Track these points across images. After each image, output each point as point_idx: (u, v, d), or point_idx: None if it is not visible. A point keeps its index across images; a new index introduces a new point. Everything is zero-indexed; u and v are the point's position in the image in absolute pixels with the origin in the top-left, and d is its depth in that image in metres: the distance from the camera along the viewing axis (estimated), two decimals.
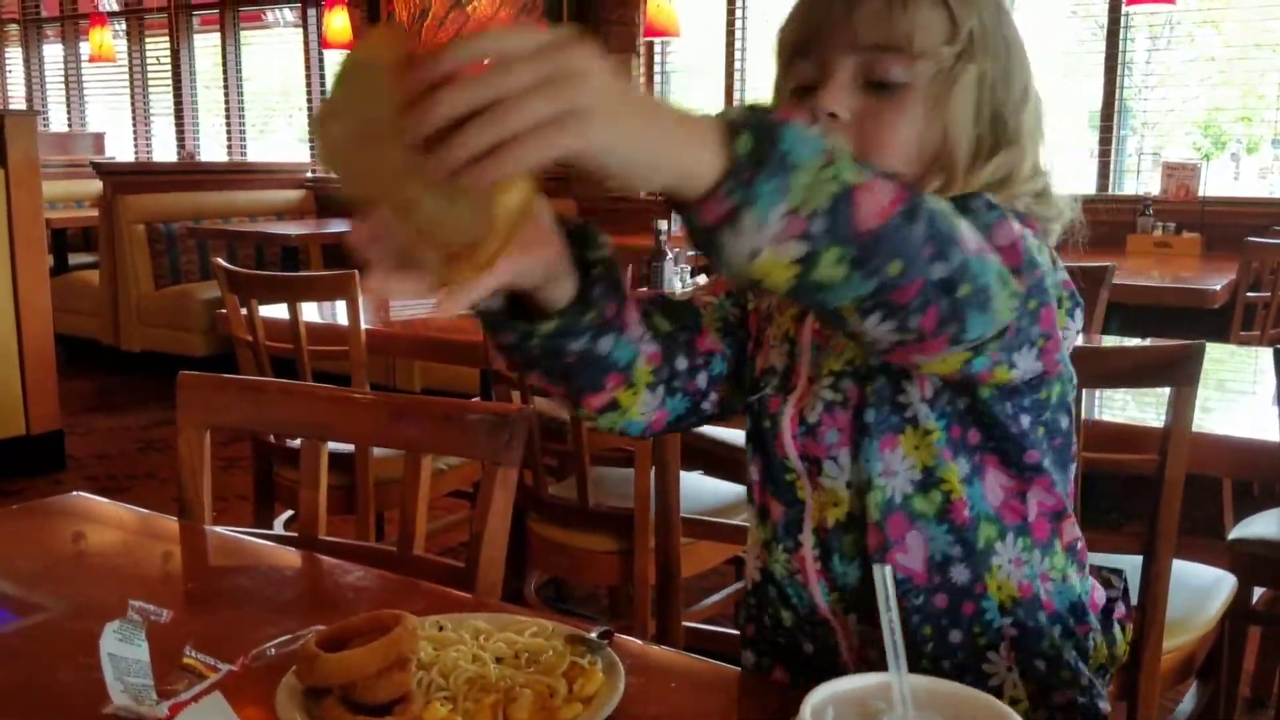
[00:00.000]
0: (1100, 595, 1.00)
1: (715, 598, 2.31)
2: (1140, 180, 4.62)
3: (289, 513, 2.60)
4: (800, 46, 0.90)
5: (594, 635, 0.93)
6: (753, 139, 0.62)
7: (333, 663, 0.81)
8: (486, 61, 0.58)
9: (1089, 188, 4.64)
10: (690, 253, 3.28)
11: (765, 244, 0.62)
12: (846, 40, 0.87)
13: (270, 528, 2.50)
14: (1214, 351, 2.54)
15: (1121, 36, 4.58)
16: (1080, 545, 0.96)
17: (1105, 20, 4.60)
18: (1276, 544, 1.71)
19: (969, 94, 0.88)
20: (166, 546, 1.33)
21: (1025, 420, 0.90)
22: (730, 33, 5.42)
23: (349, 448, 2.29)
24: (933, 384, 0.88)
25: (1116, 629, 0.99)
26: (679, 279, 2.95)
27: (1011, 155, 0.91)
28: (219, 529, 1.34)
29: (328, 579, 1.19)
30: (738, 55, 5.42)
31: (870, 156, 0.85)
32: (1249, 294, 3.38)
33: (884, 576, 0.63)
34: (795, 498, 0.96)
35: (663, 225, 3.11)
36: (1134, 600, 1.39)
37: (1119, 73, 4.60)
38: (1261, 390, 2.09)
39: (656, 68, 5.62)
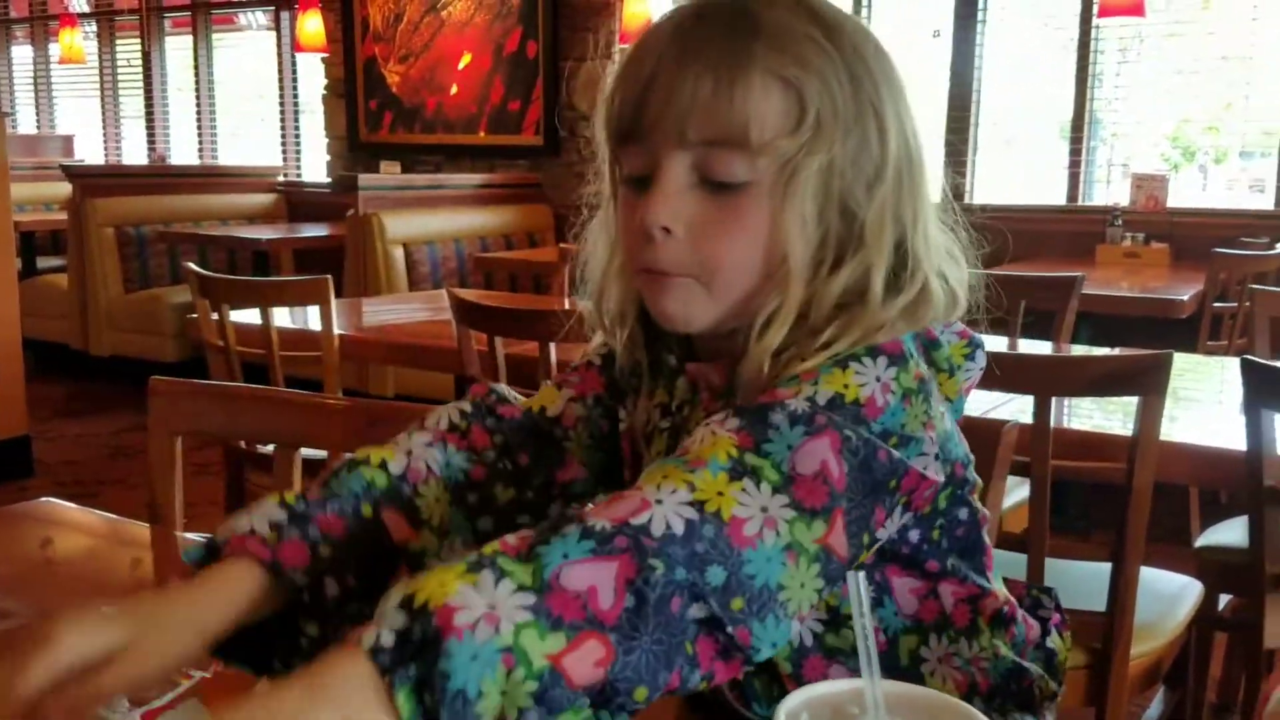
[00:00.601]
0: (1035, 630, 0.91)
1: None
2: (1110, 191, 4.67)
3: None
4: (628, 131, 0.77)
5: None
6: (413, 694, 0.52)
7: None
8: None
9: (1059, 198, 4.69)
10: None
11: None
12: (675, 134, 0.74)
13: None
14: (1181, 361, 2.58)
15: (1092, 49, 4.63)
16: (1006, 609, 0.87)
17: (1076, 33, 4.65)
18: (1242, 551, 1.73)
19: (810, 187, 0.75)
20: (136, 553, 1.32)
21: (915, 536, 0.81)
22: None
23: (323, 453, 2.28)
24: None
25: (1056, 640, 0.93)
26: None
27: (864, 255, 0.77)
28: (190, 535, 1.33)
29: None
30: None
31: (711, 270, 0.77)
32: (1216, 304, 3.43)
33: (857, 583, 0.63)
34: None
35: None
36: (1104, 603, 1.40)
37: (1090, 85, 4.65)
38: (1228, 400, 2.12)
39: None
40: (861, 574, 0.62)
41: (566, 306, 3.23)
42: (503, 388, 0.94)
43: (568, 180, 5.68)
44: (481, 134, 5.83)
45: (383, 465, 0.83)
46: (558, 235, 5.54)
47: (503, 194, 5.58)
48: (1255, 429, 1.52)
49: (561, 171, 5.68)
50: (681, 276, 0.77)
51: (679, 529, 0.61)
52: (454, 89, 5.86)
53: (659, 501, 0.62)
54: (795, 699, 0.60)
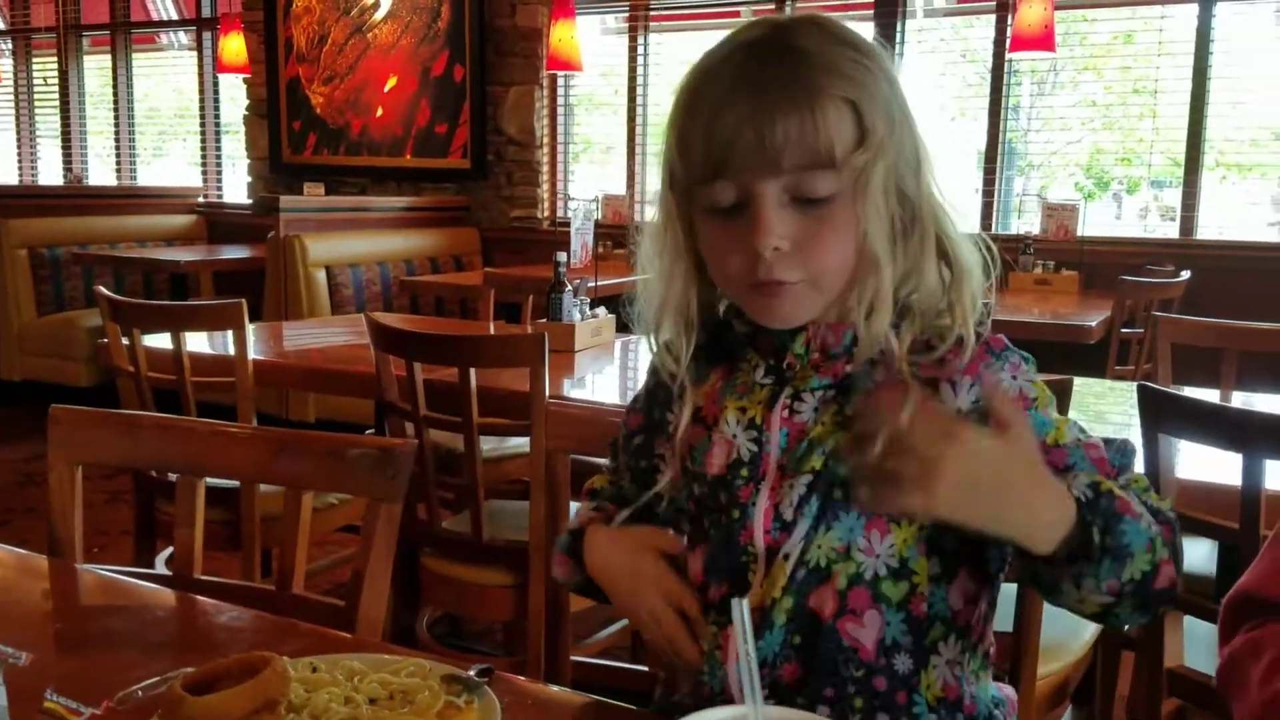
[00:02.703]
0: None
1: (610, 630, 2.31)
2: (1025, 220, 4.79)
3: (171, 549, 2.53)
4: (713, 166, 0.87)
5: (472, 673, 0.93)
6: (1101, 532, 0.79)
7: (199, 706, 0.79)
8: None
9: (974, 226, 4.79)
10: (590, 284, 3.30)
11: (1088, 595, 0.81)
12: (766, 164, 0.85)
13: (152, 564, 2.43)
14: (1095, 386, 2.66)
15: (1006, 81, 4.76)
16: (992, 649, 0.99)
17: (991, 65, 4.78)
18: None
19: (880, 186, 0.88)
20: (36, 585, 1.28)
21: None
22: (632, 68, 5.49)
23: (230, 482, 2.24)
24: None
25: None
26: (578, 310, 2.96)
27: (923, 229, 0.92)
28: (91, 567, 1.30)
29: (202, 619, 1.16)
30: (639, 90, 5.49)
31: (815, 275, 0.89)
32: (1124, 330, 3.53)
33: (741, 609, 0.65)
34: (744, 580, 0.94)
35: (561, 257, 3.12)
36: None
37: (1003, 116, 4.78)
38: (1136, 423, 2.18)
39: (560, 100, 5.66)
40: (745, 601, 0.65)
41: (492, 331, 3.21)
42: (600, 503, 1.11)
43: (495, 204, 5.67)
44: (408, 157, 5.79)
45: None
46: (485, 259, 5.52)
47: (429, 217, 5.55)
48: (1153, 452, 1.57)
49: (489, 195, 5.67)
50: (795, 283, 0.89)
51: (1169, 517, 0.86)
52: (379, 111, 5.83)
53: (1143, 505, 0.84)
54: None
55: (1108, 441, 0.91)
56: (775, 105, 0.84)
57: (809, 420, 0.92)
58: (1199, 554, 2.07)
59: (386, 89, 5.79)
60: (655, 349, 1.02)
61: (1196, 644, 1.68)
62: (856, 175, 0.86)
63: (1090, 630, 1.88)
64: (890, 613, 0.91)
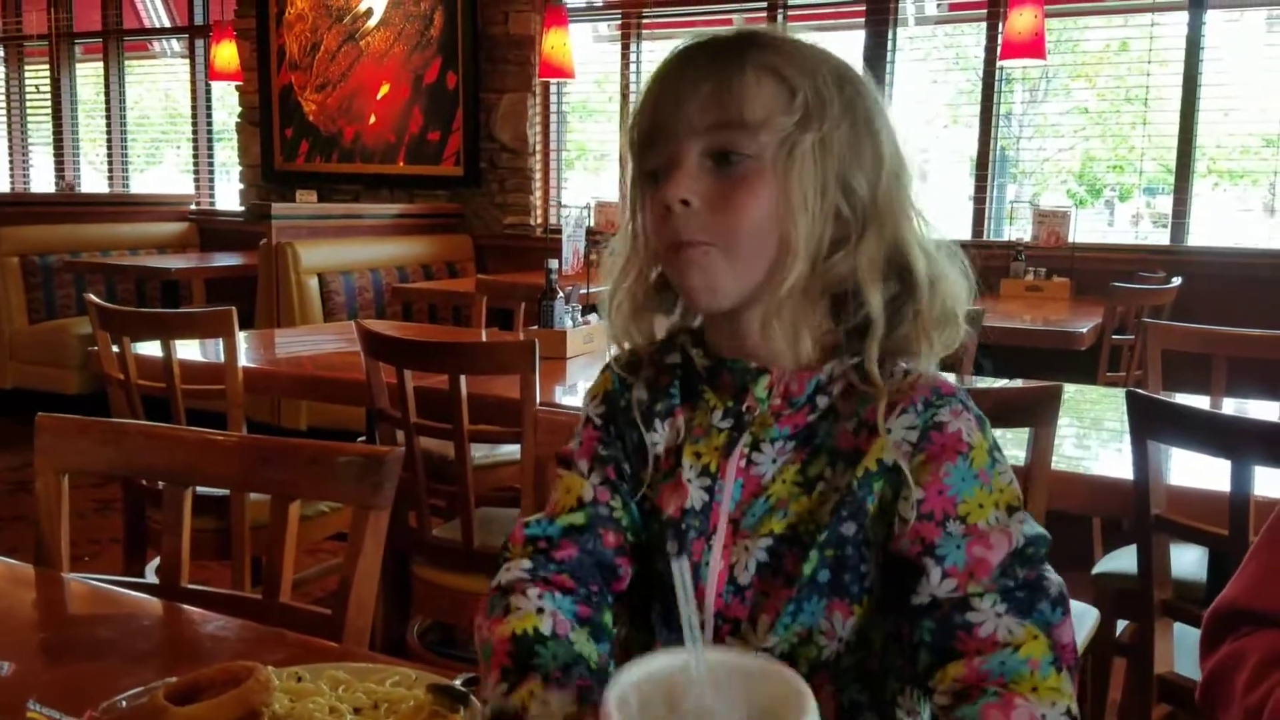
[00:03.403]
0: None
1: None
2: (1018, 227, 4.80)
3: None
4: (646, 138, 0.89)
5: (458, 683, 0.93)
6: None
7: (180, 716, 0.79)
8: None
9: (965, 233, 4.81)
10: (582, 291, 3.30)
11: None
12: (686, 125, 0.86)
13: (142, 573, 2.42)
14: (1089, 393, 2.66)
15: (997, 89, 4.77)
16: None
17: (982, 73, 4.79)
18: (1134, 578, 1.78)
19: (809, 160, 0.85)
20: (22, 594, 1.28)
21: None
22: (625, 75, 5.50)
23: (219, 490, 2.23)
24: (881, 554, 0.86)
25: None
26: (569, 317, 2.96)
27: (877, 231, 0.87)
28: (77, 576, 1.29)
29: (188, 629, 1.16)
30: (632, 97, 5.49)
31: (727, 236, 0.85)
32: (1115, 337, 3.54)
33: (681, 570, 0.65)
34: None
35: (553, 264, 3.12)
36: None
37: (994, 123, 4.79)
38: (1126, 429, 2.19)
39: (552, 107, 5.66)
40: (685, 561, 0.67)
41: (484, 338, 3.21)
42: (535, 526, 0.94)
43: (488, 211, 5.67)
44: (400, 164, 5.79)
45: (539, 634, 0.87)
46: (478, 266, 5.52)
47: (422, 224, 5.55)
48: (1142, 459, 1.57)
49: (482, 202, 5.67)
50: (703, 245, 0.86)
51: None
52: (372, 118, 5.83)
53: (1043, 717, 0.75)
54: (623, 681, 0.61)
55: (1033, 587, 0.80)
56: (700, 72, 0.86)
57: (767, 474, 0.88)
58: (1189, 560, 2.07)
59: (379, 96, 5.79)
60: (614, 327, 0.97)
61: (1186, 651, 1.68)
62: (778, 142, 0.84)
63: (1082, 636, 1.89)
64: (848, 680, 0.88)
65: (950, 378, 0.91)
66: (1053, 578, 0.82)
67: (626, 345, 0.97)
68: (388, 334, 2.26)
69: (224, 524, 2.32)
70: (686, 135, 0.86)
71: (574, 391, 2.72)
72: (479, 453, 2.63)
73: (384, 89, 5.77)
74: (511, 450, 2.73)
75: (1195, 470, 1.78)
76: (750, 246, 0.85)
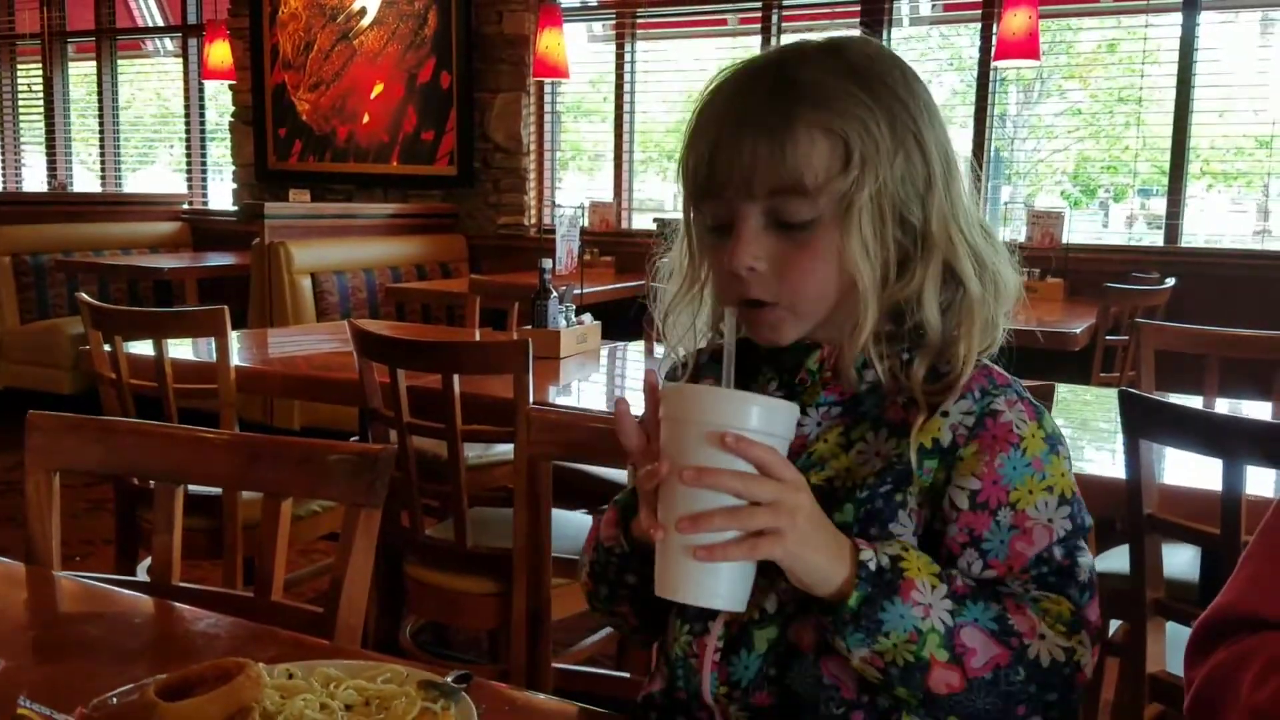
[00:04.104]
0: None
1: (594, 638, 2.30)
2: (1012, 228, 4.81)
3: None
4: (704, 189, 0.91)
5: (450, 679, 0.92)
6: (860, 600, 0.82)
7: (171, 712, 0.79)
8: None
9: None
10: (576, 291, 3.30)
11: (857, 658, 0.84)
12: (745, 188, 0.88)
13: (133, 573, 2.41)
14: (1083, 394, 2.66)
15: (992, 90, 4.78)
16: None
17: (977, 74, 4.80)
18: (1127, 577, 1.78)
19: (866, 213, 0.87)
20: (12, 592, 1.27)
21: None
22: (619, 75, 5.49)
23: (213, 489, 2.22)
24: (926, 518, 0.91)
25: None
26: (563, 317, 2.96)
27: (932, 254, 0.90)
28: (67, 574, 1.29)
29: (179, 626, 1.15)
30: (627, 97, 5.49)
31: (794, 297, 0.90)
32: (1108, 337, 3.54)
33: (731, 321, 0.86)
34: None
35: (547, 264, 3.12)
36: None
37: (988, 124, 4.80)
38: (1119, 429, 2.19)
39: (547, 107, 5.66)
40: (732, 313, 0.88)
41: (477, 338, 3.21)
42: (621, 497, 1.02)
43: (482, 211, 5.67)
44: (394, 163, 5.79)
45: None
46: (472, 266, 5.52)
47: (416, 224, 5.54)
48: (1134, 459, 1.58)
49: (476, 202, 5.67)
50: (772, 305, 0.91)
51: (1046, 663, 0.84)
52: (366, 118, 5.82)
53: (1042, 636, 0.84)
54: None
55: (1065, 573, 0.87)
56: (749, 132, 0.87)
57: (811, 434, 0.94)
58: (1181, 560, 2.08)
59: (373, 95, 5.78)
60: (667, 334, 1.03)
61: (1179, 650, 1.68)
62: (836, 202, 0.87)
63: None
64: None
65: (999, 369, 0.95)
66: (1084, 562, 0.88)
67: (682, 351, 1.03)
68: (380, 333, 2.26)
69: (216, 524, 2.31)
70: (746, 198, 0.88)
71: (568, 391, 2.72)
72: (472, 453, 2.63)
73: (378, 88, 5.77)
74: (505, 450, 2.73)
75: (1188, 470, 1.79)
76: (816, 300, 0.91)
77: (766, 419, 0.81)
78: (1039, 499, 0.87)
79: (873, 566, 0.83)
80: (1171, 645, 1.67)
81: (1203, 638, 0.82)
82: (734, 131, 0.87)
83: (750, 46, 5.24)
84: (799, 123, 0.86)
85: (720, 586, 0.82)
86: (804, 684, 0.90)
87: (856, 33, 0.97)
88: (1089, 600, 0.87)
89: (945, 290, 0.92)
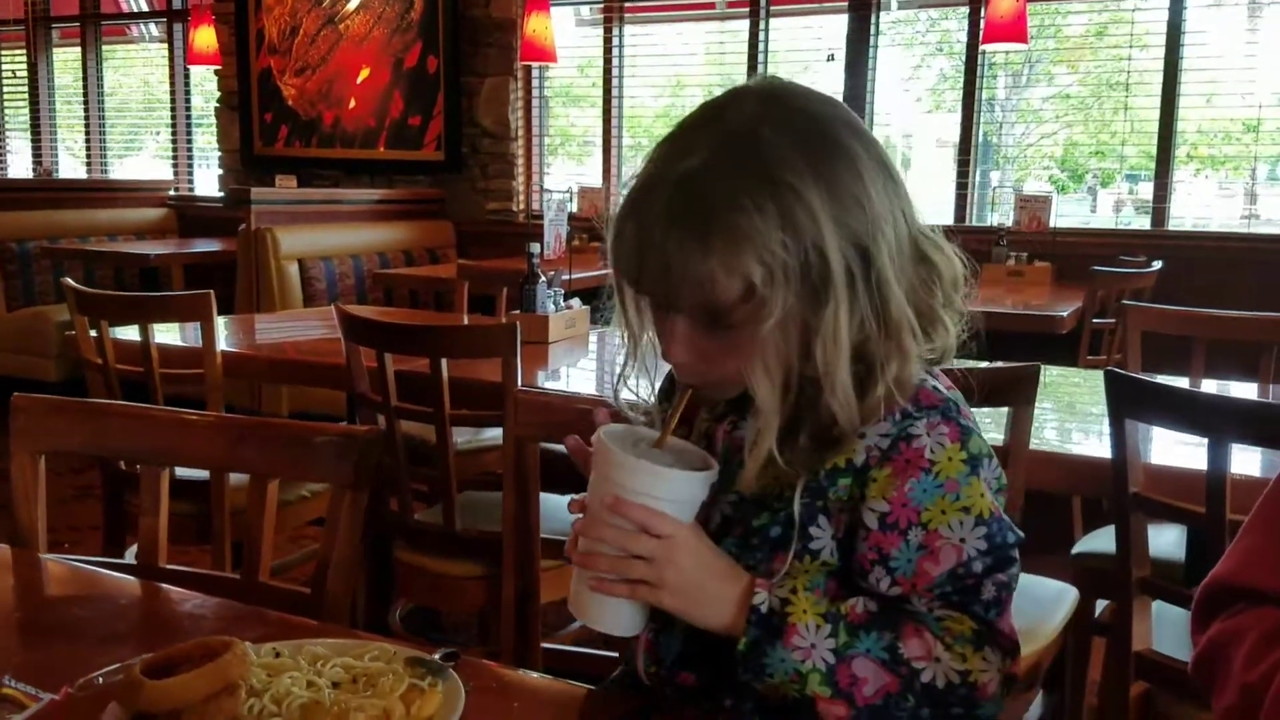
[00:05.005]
0: None
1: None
2: (1000, 212, 4.82)
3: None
4: (635, 284, 0.96)
5: (437, 657, 0.92)
6: (748, 645, 0.90)
7: (158, 689, 0.78)
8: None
9: (948, 218, 4.81)
10: (565, 276, 3.29)
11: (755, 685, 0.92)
12: (670, 300, 0.93)
13: (121, 558, 2.40)
14: (1071, 376, 2.67)
15: (980, 74, 4.77)
16: None
17: (965, 58, 4.79)
18: (1113, 558, 1.79)
19: (771, 338, 0.90)
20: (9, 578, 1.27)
21: None
22: (607, 60, 5.48)
23: (206, 474, 2.22)
24: (846, 524, 0.94)
25: None
26: (552, 302, 2.95)
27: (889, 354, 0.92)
28: (53, 557, 1.28)
29: (165, 608, 1.15)
30: (615, 83, 5.48)
31: (721, 382, 0.96)
32: (1095, 320, 3.55)
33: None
34: None
35: (535, 248, 3.11)
36: None
37: (977, 109, 4.79)
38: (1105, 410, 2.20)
39: (535, 92, 5.64)
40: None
41: (466, 322, 3.20)
42: None
43: (470, 197, 5.65)
44: (381, 149, 5.76)
45: None
46: (460, 251, 5.50)
47: (403, 209, 5.52)
48: (1120, 438, 1.58)
49: (464, 188, 5.65)
50: (704, 385, 0.98)
51: (941, 685, 0.89)
52: (352, 103, 5.79)
53: (937, 659, 0.89)
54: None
55: (969, 591, 0.90)
56: (673, 248, 0.89)
57: (748, 440, 0.97)
58: (1167, 540, 2.09)
59: (359, 80, 5.75)
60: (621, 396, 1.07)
61: (1165, 628, 1.69)
62: (749, 319, 0.90)
63: (1061, 615, 1.90)
64: None
65: (942, 382, 0.98)
66: (991, 581, 0.91)
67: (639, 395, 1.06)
68: (368, 317, 2.25)
69: (204, 509, 2.31)
70: (671, 307, 0.94)
71: (556, 376, 2.72)
72: (461, 438, 2.62)
73: (364, 73, 5.73)
74: (494, 435, 2.73)
75: (1173, 450, 1.79)
76: (740, 384, 0.95)
77: (663, 486, 0.91)
78: (952, 519, 0.90)
79: (764, 609, 0.90)
80: (1158, 623, 1.68)
81: (1203, 605, 0.83)
82: (661, 241, 0.90)
83: (738, 31, 5.22)
84: (712, 256, 0.88)
85: (609, 617, 0.94)
86: (726, 664, 0.93)
87: (812, 81, 0.96)
88: (997, 615, 0.91)
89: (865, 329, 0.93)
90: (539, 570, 1.57)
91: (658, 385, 1.06)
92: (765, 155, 0.90)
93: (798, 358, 0.92)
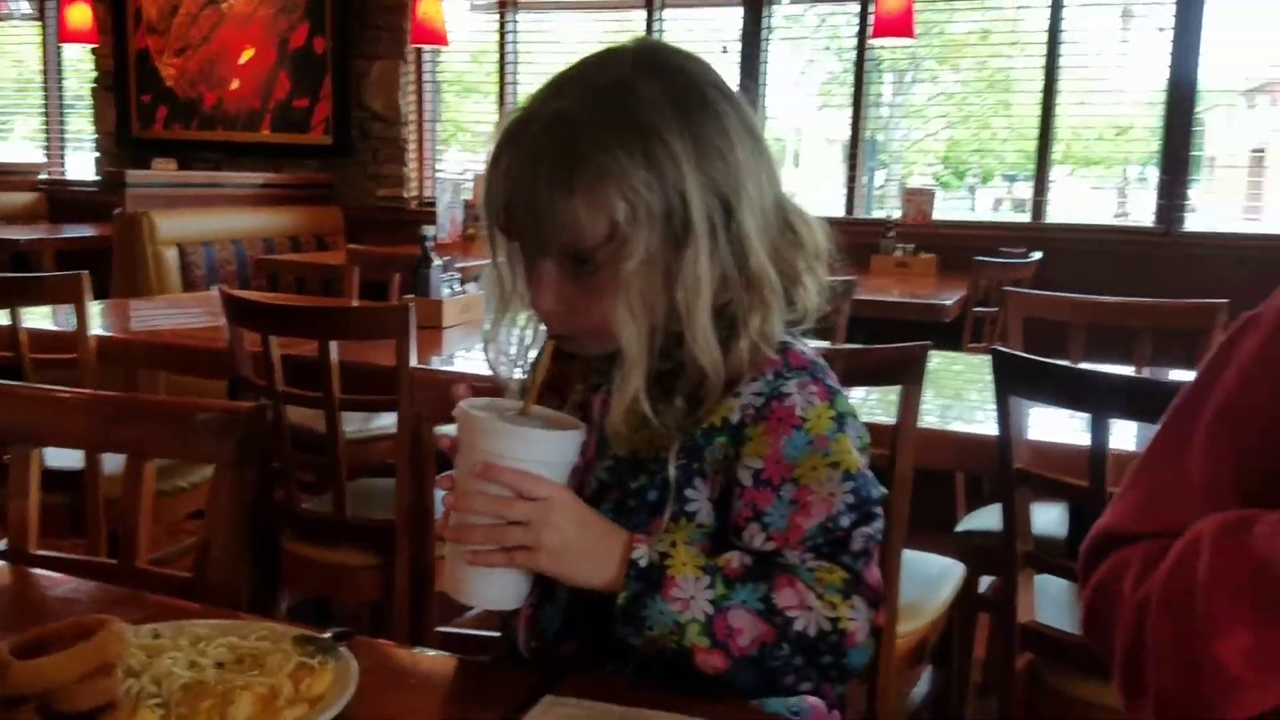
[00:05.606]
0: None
1: (477, 610, 2.27)
2: (887, 207, 4.92)
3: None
4: (506, 230, 0.98)
5: (328, 636, 0.89)
6: (628, 599, 0.91)
7: (27, 670, 0.74)
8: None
9: (839, 212, 4.90)
10: (460, 264, 3.24)
11: (633, 643, 0.93)
12: (538, 243, 0.95)
13: None
14: (957, 360, 2.74)
15: (867, 73, 4.87)
16: None
17: (855, 57, 4.88)
18: (997, 535, 1.84)
19: (635, 278, 0.92)
20: None
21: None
22: (501, 48, 5.42)
23: (79, 464, 2.12)
24: (721, 485, 0.96)
25: None
26: (447, 287, 2.90)
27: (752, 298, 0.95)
28: None
29: (36, 593, 1.09)
30: (509, 71, 5.42)
31: (588, 329, 0.96)
32: (977, 309, 3.65)
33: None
34: None
35: (429, 231, 3.06)
36: None
37: (864, 106, 4.89)
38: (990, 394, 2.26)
39: (426, 76, 5.54)
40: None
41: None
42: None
43: (360, 182, 5.53)
44: (265, 132, 5.59)
45: None
46: (349, 238, 5.37)
47: (289, 194, 5.37)
48: (1005, 415, 1.62)
49: (354, 173, 5.52)
50: (572, 336, 0.98)
51: (813, 634, 0.91)
52: (235, 84, 5.61)
53: (809, 608, 0.91)
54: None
55: (839, 543, 0.93)
56: (541, 192, 0.91)
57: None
58: (1049, 517, 2.16)
59: (242, 61, 5.57)
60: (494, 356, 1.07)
61: (1048, 600, 1.74)
62: (612, 258, 0.92)
63: (947, 591, 1.94)
64: None
65: (814, 347, 1.01)
66: (859, 534, 0.94)
67: (517, 375, 1.05)
68: (252, 298, 2.18)
69: (77, 499, 2.20)
70: (539, 249, 0.96)
71: (451, 362, 2.67)
72: (351, 427, 2.56)
73: (248, 53, 5.56)
74: (386, 424, 2.67)
75: (1055, 428, 1.85)
76: (608, 331, 0.95)
77: (533, 449, 0.90)
78: (822, 474, 0.94)
79: (643, 564, 0.91)
80: (1041, 596, 1.73)
81: (1089, 557, 0.85)
82: (529, 187, 0.92)
83: (634, 21, 5.22)
84: (577, 196, 0.90)
85: (489, 591, 0.93)
86: (604, 629, 0.94)
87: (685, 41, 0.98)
88: (864, 565, 0.94)
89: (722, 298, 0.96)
90: (434, 556, 1.54)
91: (529, 347, 1.06)
92: (635, 103, 0.93)
93: (661, 302, 0.93)
